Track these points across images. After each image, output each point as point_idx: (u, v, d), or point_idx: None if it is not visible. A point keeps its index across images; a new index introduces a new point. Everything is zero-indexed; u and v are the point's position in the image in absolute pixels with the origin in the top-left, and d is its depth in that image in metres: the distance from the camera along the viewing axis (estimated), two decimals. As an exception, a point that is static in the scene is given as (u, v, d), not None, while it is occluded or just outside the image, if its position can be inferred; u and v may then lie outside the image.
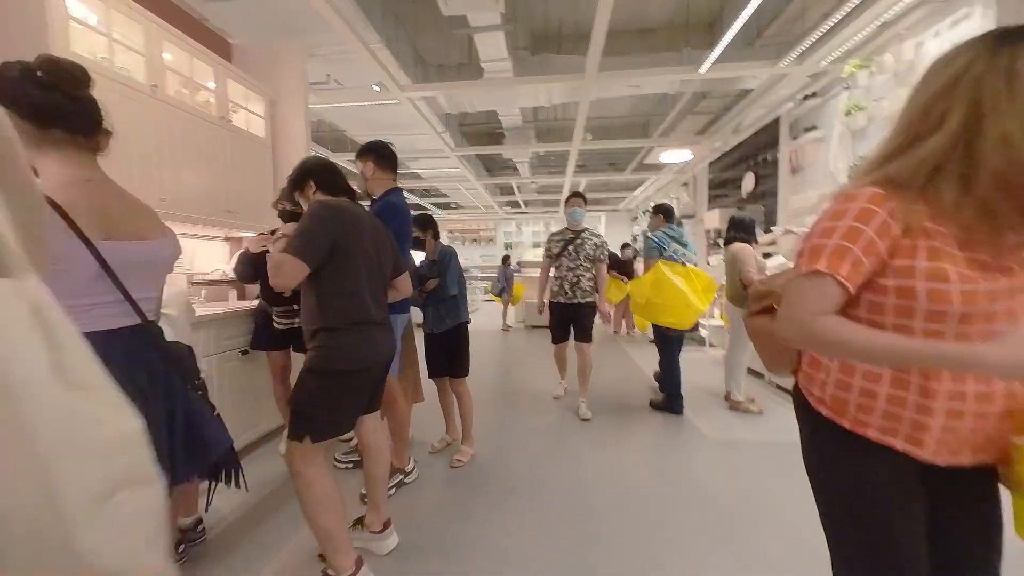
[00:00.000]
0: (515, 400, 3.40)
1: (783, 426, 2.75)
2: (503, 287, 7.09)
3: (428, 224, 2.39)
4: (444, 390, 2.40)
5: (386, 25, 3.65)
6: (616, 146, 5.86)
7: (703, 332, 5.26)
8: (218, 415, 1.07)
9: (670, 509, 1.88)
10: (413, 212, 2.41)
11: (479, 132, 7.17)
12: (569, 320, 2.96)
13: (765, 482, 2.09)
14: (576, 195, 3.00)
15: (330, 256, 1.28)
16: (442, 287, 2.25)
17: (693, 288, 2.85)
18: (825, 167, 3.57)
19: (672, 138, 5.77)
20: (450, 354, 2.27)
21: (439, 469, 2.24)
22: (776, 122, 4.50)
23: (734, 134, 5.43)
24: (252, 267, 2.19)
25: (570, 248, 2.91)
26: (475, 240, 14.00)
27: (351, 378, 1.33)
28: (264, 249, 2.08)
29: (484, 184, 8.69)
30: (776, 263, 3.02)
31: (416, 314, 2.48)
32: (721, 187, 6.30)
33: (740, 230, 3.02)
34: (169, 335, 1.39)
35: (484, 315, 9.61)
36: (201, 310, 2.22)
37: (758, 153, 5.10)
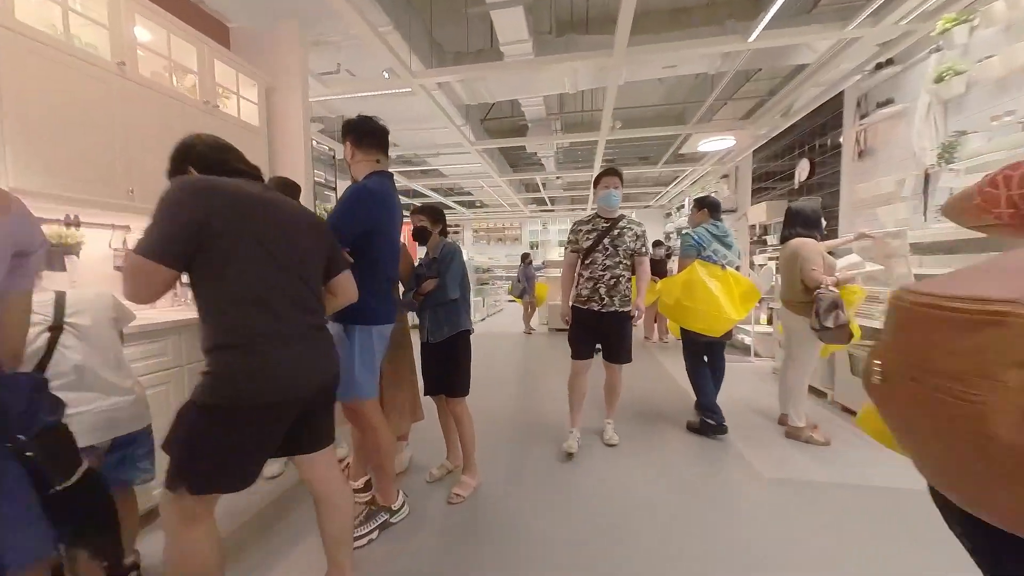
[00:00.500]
0: (531, 417, 3.04)
1: (857, 461, 2.24)
2: (524, 288, 6.72)
3: (439, 217, 2.08)
4: (443, 409, 2.08)
5: (396, 7, 3.39)
6: (649, 135, 5.37)
7: (747, 340, 4.69)
8: (56, 493, 0.74)
9: (713, 568, 1.47)
10: (427, 203, 2.11)
11: (503, 128, 6.86)
12: (600, 332, 2.35)
13: (839, 539, 1.63)
14: (610, 172, 2.33)
15: (201, 249, 0.94)
16: (441, 289, 1.92)
17: (729, 295, 2.48)
18: (906, 146, 2.98)
19: (712, 124, 5.22)
20: (447, 368, 1.94)
21: (435, 503, 1.91)
22: (839, 99, 3.89)
23: (783, 117, 4.82)
24: None
25: (606, 241, 2.30)
26: (500, 239, 13.73)
27: (250, 415, 0.98)
28: None
29: (508, 180, 8.37)
30: (849, 262, 2.50)
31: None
32: (766, 179, 5.67)
33: (800, 224, 2.53)
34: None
35: (507, 316, 9.31)
36: (180, 314, 2.00)
37: (814, 137, 4.49)
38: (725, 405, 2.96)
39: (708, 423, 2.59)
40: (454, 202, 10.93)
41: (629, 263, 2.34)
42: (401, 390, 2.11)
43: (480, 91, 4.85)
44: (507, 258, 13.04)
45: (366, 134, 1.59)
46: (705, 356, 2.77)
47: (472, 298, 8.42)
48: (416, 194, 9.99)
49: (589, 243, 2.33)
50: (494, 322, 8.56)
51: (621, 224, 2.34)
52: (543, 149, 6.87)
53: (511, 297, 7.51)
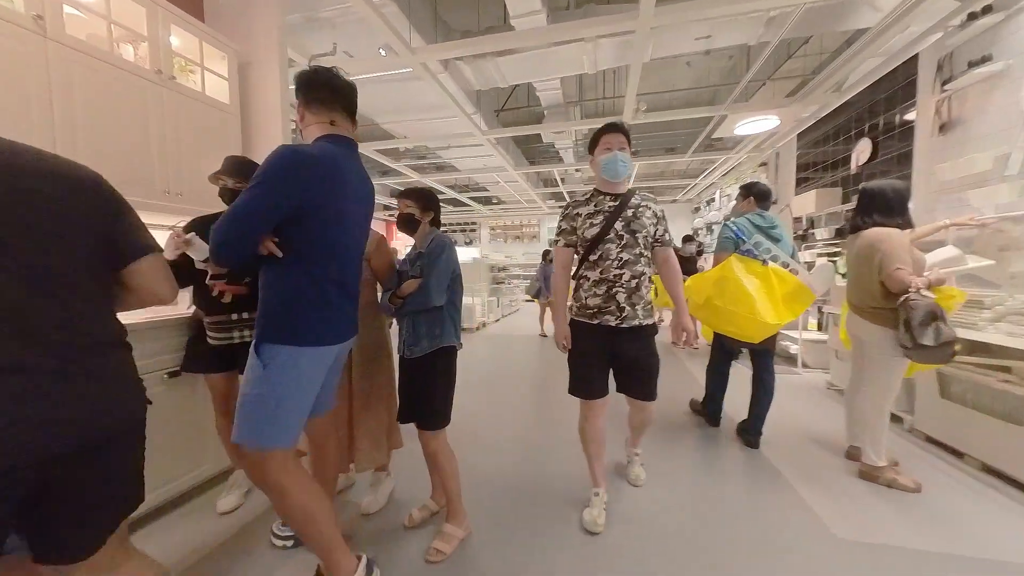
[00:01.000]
0: (540, 443, 2.62)
1: (967, 520, 1.71)
2: (540, 287, 6.31)
3: (430, 202, 1.68)
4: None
5: (394, -24, 3.05)
6: (679, 117, 4.83)
7: (792, 348, 4.11)
8: None
9: None
10: (415, 186, 1.73)
11: (519, 120, 6.47)
12: (617, 357, 1.68)
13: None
14: (612, 128, 1.67)
15: None
16: (423, 292, 1.53)
17: (770, 295, 2.11)
18: (1010, 113, 2.39)
19: (752, 104, 4.64)
20: (419, 391, 1.54)
21: (412, 558, 1.53)
22: (910, 64, 3.28)
23: (836, 93, 4.19)
24: (176, 272, 1.64)
25: (618, 226, 1.64)
26: (518, 237, 13.36)
27: None
28: (181, 253, 1.52)
29: (524, 174, 7.95)
30: (944, 256, 1.97)
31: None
32: (812, 166, 5.04)
33: (879, 209, 2.00)
34: None
35: (524, 316, 8.91)
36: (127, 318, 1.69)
37: (876, 114, 3.87)
38: (775, 430, 2.48)
39: (705, 414, 2.74)
40: (469, 198, 10.60)
41: (650, 255, 1.71)
42: (375, 414, 1.74)
43: (491, 74, 4.45)
44: (524, 256, 12.65)
45: (316, 88, 1.21)
46: (734, 366, 2.44)
47: (487, 298, 8.03)
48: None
49: (595, 231, 1.64)
50: (509, 322, 8.16)
51: (634, 202, 1.66)
52: (561, 139, 6.42)
53: (528, 297, 7.12)
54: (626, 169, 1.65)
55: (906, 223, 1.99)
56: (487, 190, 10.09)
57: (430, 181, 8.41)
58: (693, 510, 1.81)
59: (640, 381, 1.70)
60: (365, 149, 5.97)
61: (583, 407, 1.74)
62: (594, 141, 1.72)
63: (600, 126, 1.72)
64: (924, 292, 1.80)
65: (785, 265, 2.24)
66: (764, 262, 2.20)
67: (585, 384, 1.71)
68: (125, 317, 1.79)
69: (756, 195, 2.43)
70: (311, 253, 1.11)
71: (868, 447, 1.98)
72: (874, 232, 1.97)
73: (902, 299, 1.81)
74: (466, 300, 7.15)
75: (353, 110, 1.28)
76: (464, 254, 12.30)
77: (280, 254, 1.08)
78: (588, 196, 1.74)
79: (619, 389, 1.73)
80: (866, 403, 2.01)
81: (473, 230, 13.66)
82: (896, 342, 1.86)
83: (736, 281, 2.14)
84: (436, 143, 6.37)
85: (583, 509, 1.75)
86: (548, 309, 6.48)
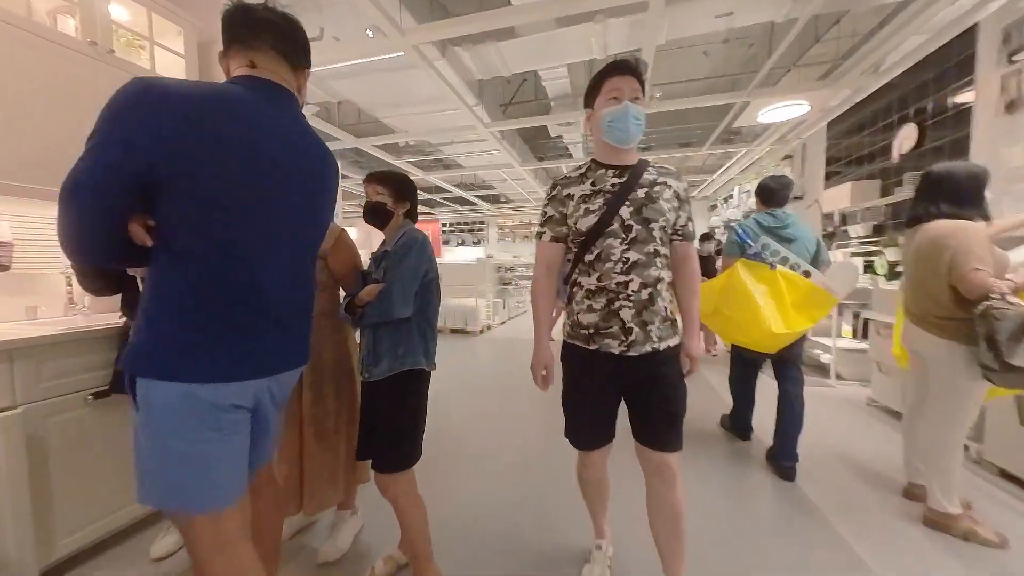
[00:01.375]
0: (538, 467, 2.30)
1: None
2: (547, 289, 5.97)
3: (406, 190, 1.37)
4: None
5: (381, -50, 2.77)
6: (698, 105, 4.46)
7: (824, 357, 3.71)
8: None
9: None
10: (389, 170, 1.43)
11: (528, 114, 6.15)
12: (626, 392, 1.21)
13: None
14: (620, 69, 1.15)
15: None
16: (383, 300, 1.24)
17: (779, 302, 1.94)
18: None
19: (779, 88, 4.25)
20: (377, 423, 1.25)
21: (369, 629, 1.24)
22: (967, 37, 2.87)
23: (874, 75, 3.77)
24: (100, 276, 1.38)
25: (625, 212, 1.14)
26: (526, 236, 13.05)
27: None
28: None
29: (531, 170, 7.64)
30: (1033, 256, 1.61)
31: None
32: (841, 160, 4.61)
33: (947, 196, 1.64)
34: None
35: (531, 318, 8.58)
36: (33, 329, 1.45)
37: (921, 97, 3.45)
38: (812, 457, 2.13)
39: (734, 427, 2.57)
40: (476, 197, 10.32)
41: (669, 253, 1.20)
42: (332, 445, 1.45)
43: (492, 60, 4.16)
44: (532, 256, 12.33)
45: (236, 26, 0.89)
46: (762, 378, 2.21)
47: (493, 300, 7.71)
48: (438, 189, 9.47)
49: (591, 220, 1.15)
50: (515, 325, 7.86)
51: (648, 177, 1.16)
52: (569, 133, 6.09)
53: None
54: (640, 130, 1.14)
55: (982, 216, 1.62)
56: (494, 188, 9.81)
57: (435, 179, 8.17)
58: (717, 570, 1.47)
59: (656, 423, 1.16)
60: (363, 145, 5.73)
61: (580, 454, 1.35)
62: (594, 87, 1.19)
63: (610, 64, 1.16)
64: (1011, 299, 1.44)
65: (796, 267, 2.00)
66: (772, 265, 1.98)
67: (579, 430, 1.27)
68: (42, 327, 1.57)
69: (759, 195, 2.25)
70: (188, 244, 0.76)
71: (936, 489, 1.62)
72: (941, 225, 1.61)
73: (982, 308, 1.46)
74: (470, 302, 6.87)
75: (290, 50, 0.92)
76: (469, 254, 12.04)
77: (149, 242, 0.76)
78: (582, 170, 1.22)
79: (635, 434, 1.22)
80: (932, 435, 1.65)
81: (481, 230, 13.41)
82: (972, 361, 1.51)
83: (742, 288, 1.97)
84: (438, 138, 6.11)
85: (583, 565, 1.43)
86: (557, 313, 6.16)
